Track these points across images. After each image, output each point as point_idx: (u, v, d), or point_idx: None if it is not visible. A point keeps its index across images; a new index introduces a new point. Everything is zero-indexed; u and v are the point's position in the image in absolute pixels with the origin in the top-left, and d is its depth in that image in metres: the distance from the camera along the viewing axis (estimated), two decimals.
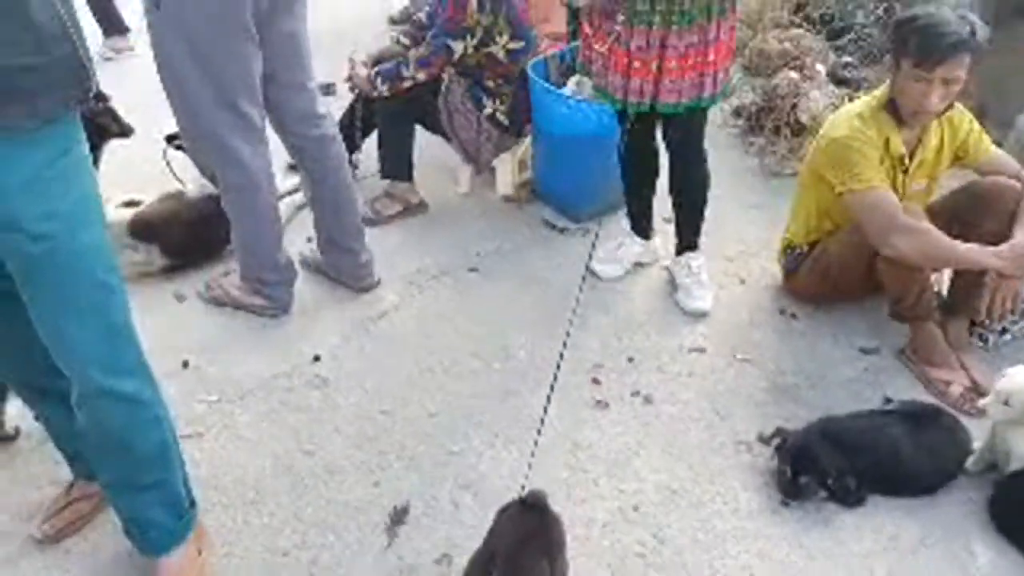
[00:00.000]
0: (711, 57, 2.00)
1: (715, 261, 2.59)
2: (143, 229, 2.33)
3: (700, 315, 2.36)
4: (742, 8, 4.13)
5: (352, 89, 2.72)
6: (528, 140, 2.83)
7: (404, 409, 2.03)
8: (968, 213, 2.13)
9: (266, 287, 2.25)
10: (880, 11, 3.78)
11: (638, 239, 2.52)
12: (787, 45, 3.76)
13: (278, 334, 2.25)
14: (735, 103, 3.48)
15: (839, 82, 3.33)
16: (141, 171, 2.69)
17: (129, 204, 2.44)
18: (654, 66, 2.02)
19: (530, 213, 2.83)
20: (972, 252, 1.98)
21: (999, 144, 3.27)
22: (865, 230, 2.04)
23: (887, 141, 2.07)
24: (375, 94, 2.60)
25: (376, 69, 2.61)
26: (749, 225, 2.78)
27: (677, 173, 2.31)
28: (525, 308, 2.39)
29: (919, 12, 1.96)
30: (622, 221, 2.57)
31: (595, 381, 2.13)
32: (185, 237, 2.37)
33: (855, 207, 2.07)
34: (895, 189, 2.13)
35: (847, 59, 3.63)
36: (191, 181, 2.50)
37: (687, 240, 2.42)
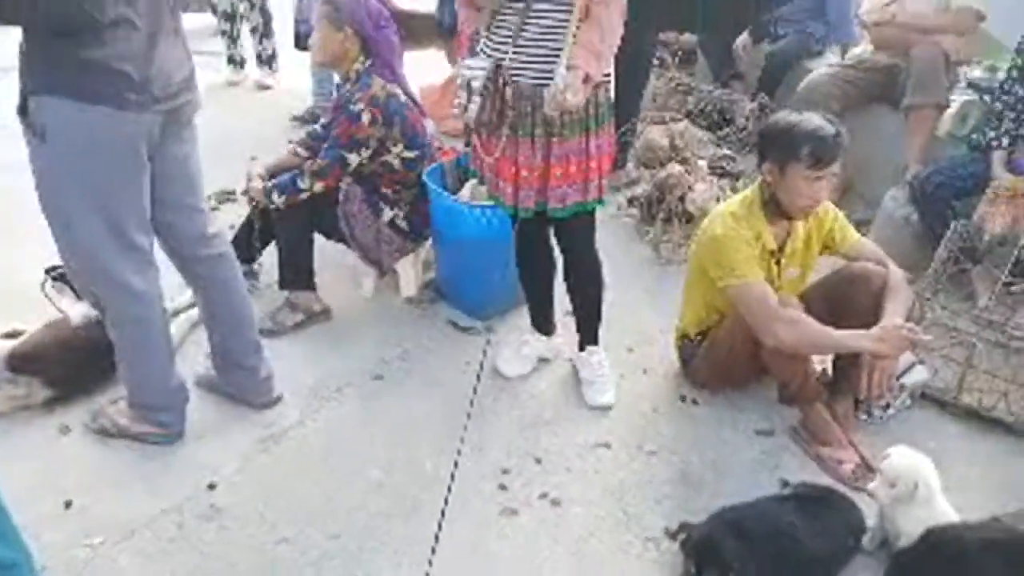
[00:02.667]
0: (592, 164, 2.11)
1: (617, 351, 2.66)
2: (22, 362, 2.21)
3: (605, 409, 2.41)
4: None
5: (249, 201, 2.72)
6: (430, 242, 2.88)
7: (305, 535, 1.96)
8: (840, 294, 2.28)
9: (156, 413, 2.16)
10: (755, 107, 4.10)
11: (540, 336, 2.56)
12: (675, 139, 4.02)
13: (170, 463, 2.14)
14: (629, 194, 3.67)
15: (721, 174, 3.56)
16: (24, 298, 2.57)
17: (10, 335, 2.32)
18: (539, 175, 2.11)
19: (435, 314, 2.85)
20: (847, 338, 2.11)
21: (868, 221, 3.56)
22: (747, 321, 2.15)
23: (759, 236, 2.22)
24: (271, 206, 2.61)
25: (272, 182, 2.62)
26: (648, 313, 2.88)
27: (570, 271, 2.38)
28: (431, 414, 2.37)
29: (795, 119, 2.12)
30: (526, 318, 2.62)
31: (502, 487, 2.12)
32: (69, 366, 2.26)
33: (735, 300, 2.18)
34: (771, 279, 2.28)
35: (727, 151, 3.89)
36: (74, 306, 2.40)
37: (587, 335, 2.48)
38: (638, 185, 3.77)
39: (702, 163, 3.40)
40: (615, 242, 3.43)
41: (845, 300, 2.26)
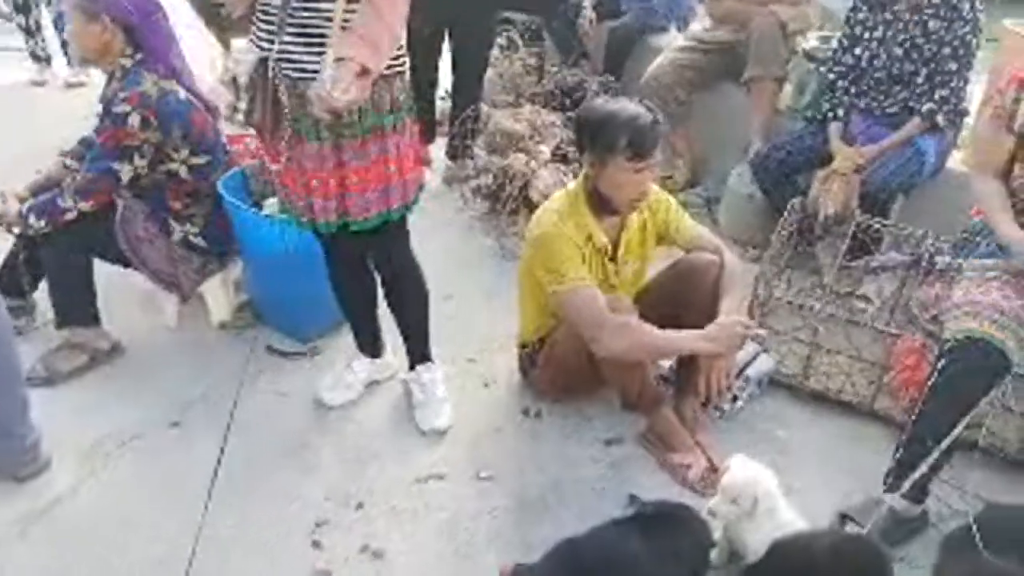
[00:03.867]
0: (393, 166, 1.85)
1: (456, 364, 2.43)
2: None
3: (440, 433, 2.17)
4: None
5: (7, 228, 2.29)
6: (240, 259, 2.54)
7: None
8: (678, 289, 2.14)
9: None
10: (598, 87, 3.94)
11: (366, 358, 2.29)
12: (524, 125, 3.81)
13: None
14: (476, 184, 3.43)
15: (564, 159, 3.38)
16: None
17: None
18: (334, 183, 1.83)
19: (253, 340, 2.51)
20: (679, 340, 1.95)
21: (717, 200, 3.50)
22: (577, 330, 1.96)
23: (589, 236, 2.03)
24: (30, 231, 2.20)
25: (29, 203, 2.20)
26: (491, 317, 2.66)
27: (389, 288, 2.12)
28: (234, 466, 2.05)
29: (611, 108, 1.93)
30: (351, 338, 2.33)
31: (315, 544, 1.84)
32: None
33: (562, 307, 1.99)
34: (606, 278, 2.10)
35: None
36: None
37: (416, 354, 2.23)
38: (489, 174, 3.54)
39: (543, 148, 3.19)
40: (460, 238, 3.20)
41: (683, 295, 2.11)
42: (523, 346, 2.28)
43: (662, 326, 2.17)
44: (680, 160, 3.66)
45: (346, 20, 1.64)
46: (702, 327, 2.02)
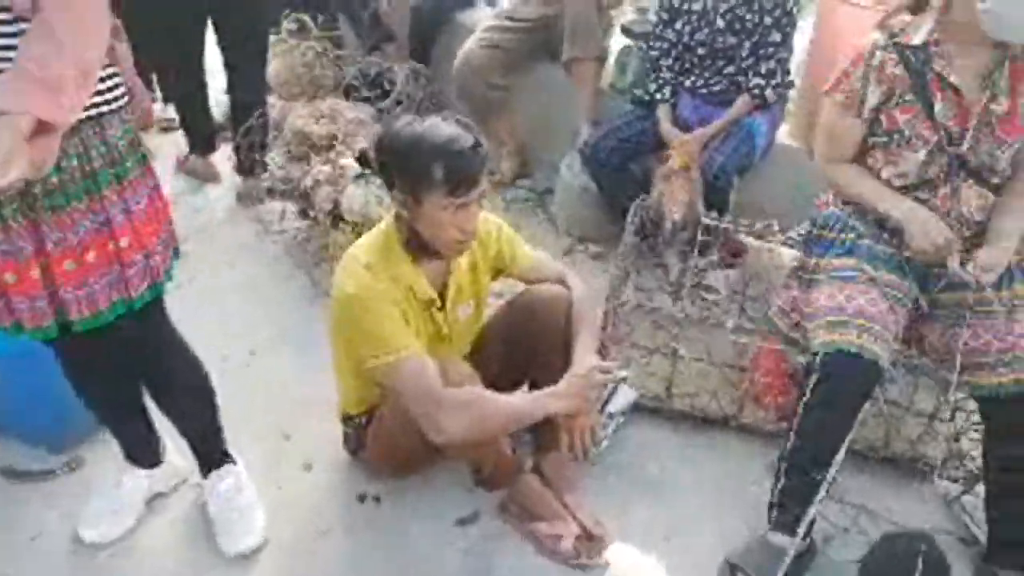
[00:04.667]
0: (124, 240, 1.35)
1: (267, 443, 1.98)
2: None
3: (249, 554, 1.71)
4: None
5: None
6: None
7: None
8: (524, 332, 1.81)
9: None
10: (409, 74, 3.52)
11: (141, 469, 1.77)
12: (326, 125, 3.31)
13: None
14: (281, 207, 2.91)
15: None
16: None
17: None
18: (36, 275, 1.30)
19: None
20: (533, 406, 1.63)
21: (550, 191, 3.22)
22: (406, 410, 1.58)
23: (410, 288, 1.64)
24: None
25: None
26: (306, 376, 2.18)
27: (153, 388, 1.62)
28: None
29: (418, 131, 1.53)
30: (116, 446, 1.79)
31: None
32: None
33: (386, 385, 1.60)
34: (436, 330, 1.73)
35: None
36: None
37: (208, 458, 1.75)
38: (290, 189, 3.02)
39: (346, 163, 2.74)
40: (261, 271, 2.69)
41: (530, 336, 1.80)
42: (347, 419, 1.87)
43: (510, 373, 1.88)
44: (505, 150, 3.34)
45: (4, 49, 1.12)
46: (555, 370, 1.72)
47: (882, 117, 1.73)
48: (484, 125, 3.31)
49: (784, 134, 2.78)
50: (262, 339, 2.35)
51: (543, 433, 1.85)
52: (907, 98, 1.69)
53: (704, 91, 2.66)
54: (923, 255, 1.69)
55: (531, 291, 1.84)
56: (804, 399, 1.68)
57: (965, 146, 1.66)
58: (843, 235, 1.82)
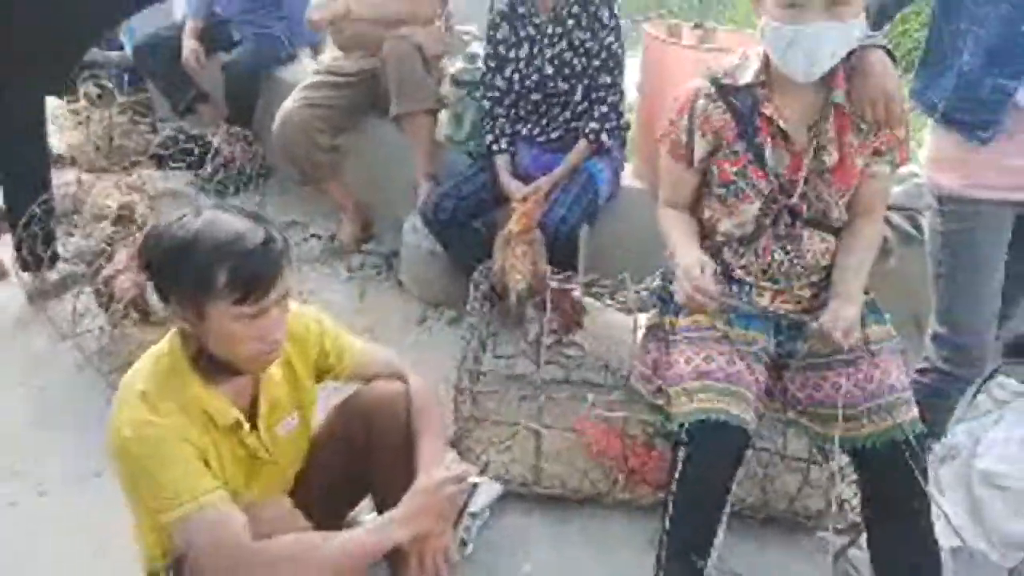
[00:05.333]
0: None
1: None
2: None
3: None
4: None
5: None
6: None
7: None
8: (361, 442, 1.55)
9: None
10: (229, 137, 3.21)
11: None
12: (132, 200, 2.94)
13: None
14: (75, 301, 2.50)
15: None
16: None
17: None
18: None
19: None
20: (371, 539, 1.36)
21: (396, 254, 2.99)
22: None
23: (207, 415, 1.36)
24: None
25: None
26: (110, 521, 1.79)
27: None
28: None
29: (191, 230, 1.25)
30: None
31: None
32: None
33: (181, 544, 1.30)
34: (252, 454, 1.45)
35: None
36: None
37: None
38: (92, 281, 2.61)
39: (122, 255, 2.40)
40: (60, 392, 2.26)
41: (369, 446, 1.54)
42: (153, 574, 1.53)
43: (350, 488, 1.62)
44: (344, 215, 3.08)
45: None
46: (401, 482, 1.47)
47: (714, 168, 1.64)
48: (317, 190, 3.07)
49: (630, 175, 2.71)
50: (54, 475, 1.96)
51: (395, 564, 1.58)
52: (736, 148, 1.60)
53: (542, 139, 2.53)
54: (688, 304, 1.60)
55: (364, 391, 1.60)
56: (675, 474, 1.54)
57: (795, 198, 1.59)
58: None
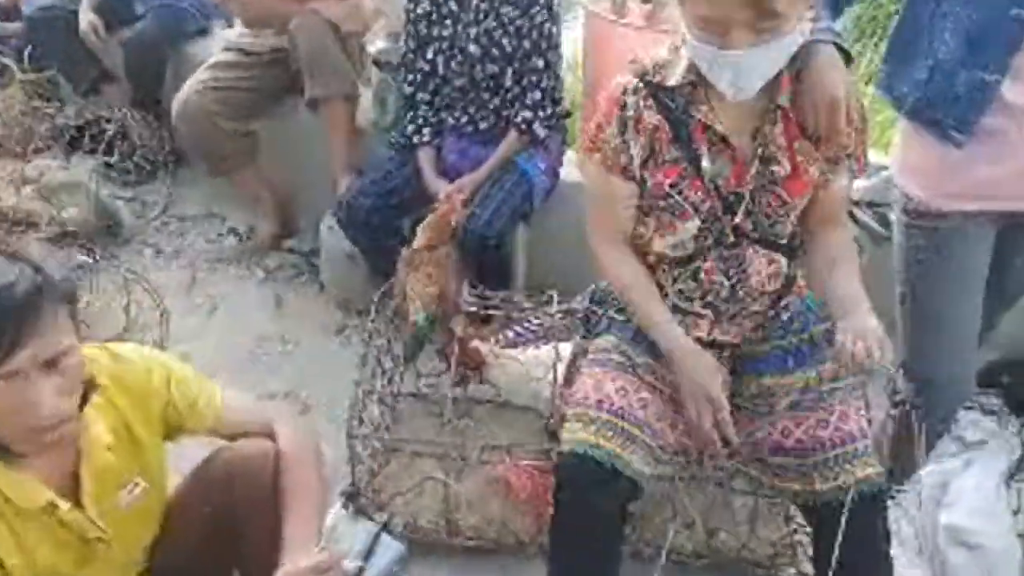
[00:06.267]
0: None
1: None
2: None
3: None
4: None
5: None
6: None
7: None
8: (222, 510, 1.30)
9: None
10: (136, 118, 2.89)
11: None
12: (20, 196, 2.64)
13: None
14: None
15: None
16: None
17: None
18: None
19: None
20: None
21: (317, 253, 2.70)
22: None
23: (2, 499, 1.10)
24: None
25: None
26: None
27: None
28: None
29: None
30: None
31: None
32: None
33: None
34: (82, 534, 1.20)
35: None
36: None
37: None
38: None
39: None
40: None
41: (231, 517, 1.29)
42: None
43: (212, 565, 1.37)
44: (261, 209, 2.79)
45: None
46: (268, 561, 1.23)
47: (647, 178, 1.38)
48: (229, 181, 2.78)
49: (573, 168, 2.44)
50: None
51: None
52: (670, 156, 1.34)
53: (470, 129, 2.25)
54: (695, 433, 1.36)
55: (225, 452, 1.34)
56: (552, 516, 1.34)
57: (740, 215, 1.34)
58: (611, 312, 1.47)
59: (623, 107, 1.35)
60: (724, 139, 1.32)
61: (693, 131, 1.32)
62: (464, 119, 2.25)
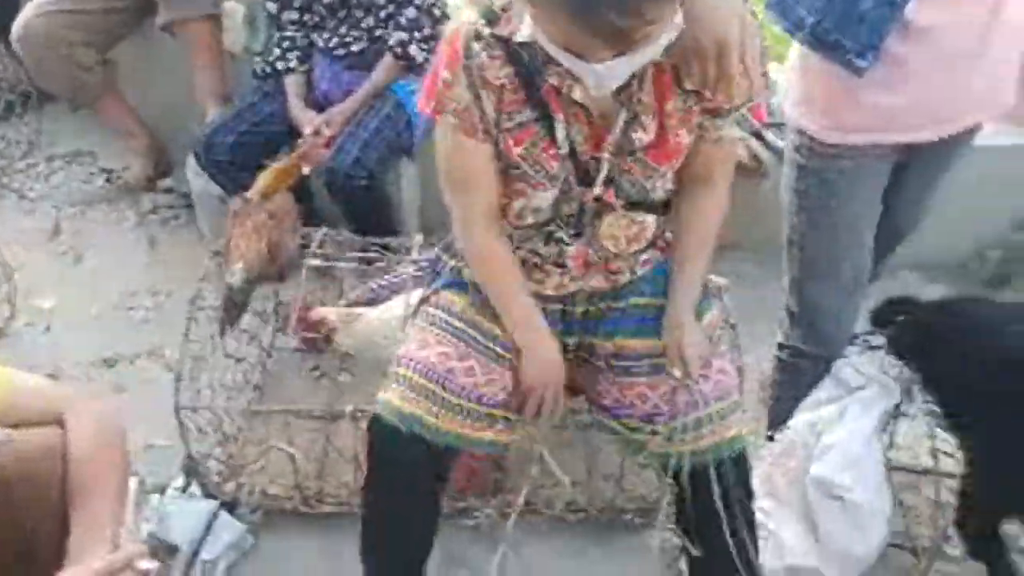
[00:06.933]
0: None
1: None
2: None
3: None
4: None
5: None
6: None
7: None
8: (5, 515, 1.16)
9: None
10: None
11: None
12: None
13: None
14: None
15: None
16: None
17: None
18: None
19: None
20: None
21: None
22: None
23: None
24: None
25: None
26: None
27: None
28: None
29: None
30: None
31: None
32: None
33: None
34: None
35: None
36: None
37: None
38: None
39: None
40: None
41: (13, 519, 1.14)
42: None
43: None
44: (131, 144, 2.54)
45: None
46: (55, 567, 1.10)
47: (500, 140, 1.16)
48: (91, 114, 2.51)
49: None
50: None
51: None
52: (521, 118, 1.13)
53: (341, 52, 2.03)
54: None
55: (3, 449, 1.18)
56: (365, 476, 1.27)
57: (599, 186, 1.16)
58: (457, 262, 1.31)
59: (468, 55, 1.11)
60: (582, 105, 1.12)
61: (546, 93, 1.11)
62: (335, 41, 2.02)
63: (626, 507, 1.59)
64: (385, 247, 1.71)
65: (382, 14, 1.97)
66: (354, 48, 2.01)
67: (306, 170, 1.65)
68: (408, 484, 1.25)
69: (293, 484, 1.49)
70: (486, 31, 1.09)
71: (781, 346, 1.60)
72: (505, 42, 1.09)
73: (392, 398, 1.22)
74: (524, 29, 1.05)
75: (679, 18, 1.01)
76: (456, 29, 1.11)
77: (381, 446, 1.23)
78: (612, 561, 1.61)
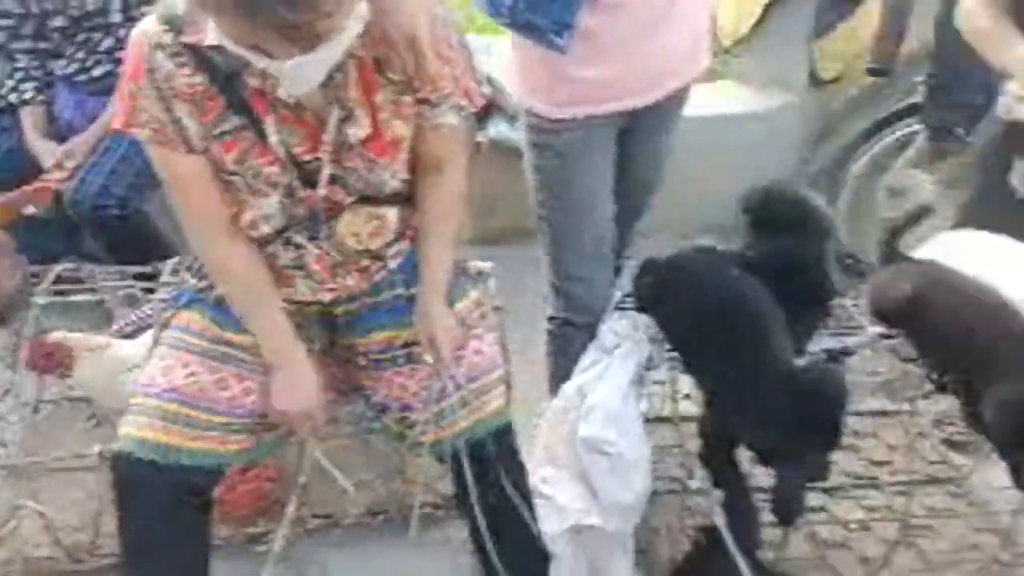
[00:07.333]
0: None
1: None
2: None
3: None
4: None
5: None
6: None
7: None
8: None
9: None
10: None
11: None
12: None
13: None
14: None
15: None
16: None
17: None
18: None
19: None
20: None
21: None
22: None
23: None
24: None
25: None
26: None
27: None
28: None
29: None
30: None
31: None
32: None
33: None
34: None
35: None
36: None
37: None
38: None
39: None
40: None
41: None
42: None
43: None
44: None
45: None
46: None
47: (209, 149, 1.11)
48: None
49: None
50: None
51: None
52: (227, 126, 1.09)
53: (83, 78, 1.93)
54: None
55: None
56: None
57: (323, 186, 1.15)
58: (196, 280, 1.27)
59: (151, 67, 1.05)
60: (290, 104, 1.09)
61: (250, 97, 1.08)
62: (74, 67, 1.91)
63: (424, 501, 1.59)
64: (147, 276, 1.63)
65: (121, 33, 1.88)
66: (95, 72, 1.91)
67: (30, 209, 1.53)
68: (165, 518, 1.17)
69: (52, 541, 1.37)
70: (168, 39, 1.04)
71: (550, 318, 1.66)
72: (194, 49, 1.05)
73: (133, 431, 1.16)
74: (210, 33, 1.01)
75: (363, 9, 1.02)
76: (137, 39, 1.06)
77: (129, 483, 1.17)
78: (423, 557, 1.61)
